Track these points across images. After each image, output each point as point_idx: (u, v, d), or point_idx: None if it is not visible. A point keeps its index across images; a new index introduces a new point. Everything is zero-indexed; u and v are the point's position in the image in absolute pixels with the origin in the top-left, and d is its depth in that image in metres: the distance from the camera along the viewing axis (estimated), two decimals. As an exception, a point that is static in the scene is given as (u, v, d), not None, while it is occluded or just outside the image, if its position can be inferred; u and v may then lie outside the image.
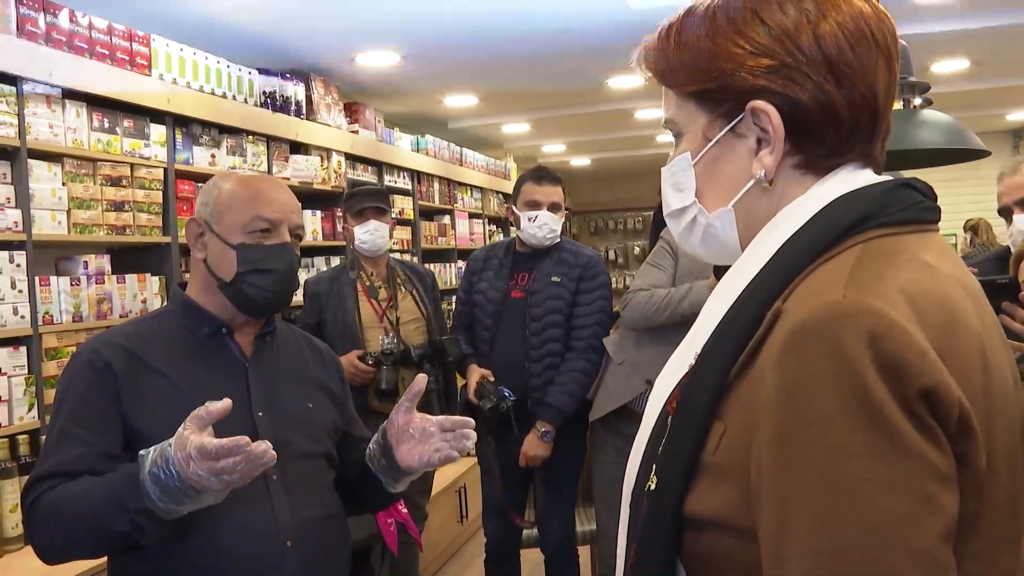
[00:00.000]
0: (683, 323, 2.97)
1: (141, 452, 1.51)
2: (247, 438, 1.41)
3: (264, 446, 1.42)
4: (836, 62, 0.88)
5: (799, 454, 0.75)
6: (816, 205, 0.89)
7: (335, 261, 3.81)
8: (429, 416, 1.79)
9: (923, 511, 0.72)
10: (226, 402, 1.46)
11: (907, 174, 1.37)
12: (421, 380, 1.78)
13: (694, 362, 0.90)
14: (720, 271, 2.78)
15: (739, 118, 0.92)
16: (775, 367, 0.78)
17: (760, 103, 0.89)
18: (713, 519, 0.84)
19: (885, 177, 0.93)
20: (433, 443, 1.77)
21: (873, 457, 0.72)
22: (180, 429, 1.45)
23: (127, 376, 1.69)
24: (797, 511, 0.74)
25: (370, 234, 3.52)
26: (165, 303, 2.29)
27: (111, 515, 1.51)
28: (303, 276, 4.47)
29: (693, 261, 3.04)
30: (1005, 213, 2.93)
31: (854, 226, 0.86)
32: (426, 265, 6.44)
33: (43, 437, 2.98)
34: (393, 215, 5.92)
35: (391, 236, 3.66)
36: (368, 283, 3.52)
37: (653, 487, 0.89)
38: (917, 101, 2.46)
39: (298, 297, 3.90)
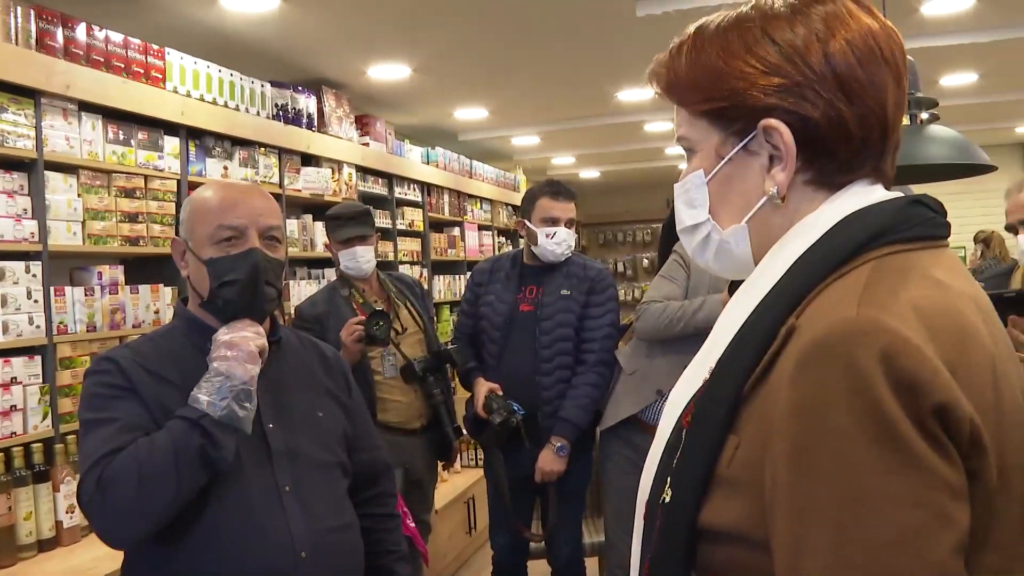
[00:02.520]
0: (695, 335, 2.99)
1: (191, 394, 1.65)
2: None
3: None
4: (846, 79, 0.90)
5: (814, 468, 0.76)
6: (828, 222, 0.91)
7: (333, 277, 3.76)
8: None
9: (937, 525, 0.73)
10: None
11: (914, 188, 1.39)
12: None
13: (708, 376, 0.91)
14: (734, 286, 2.81)
15: (751, 136, 0.94)
16: (790, 383, 0.79)
17: (772, 121, 0.91)
18: (727, 531, 0.85)
19: (896, 194, 0.94)
20: None
21: (887, 472, 0.74)
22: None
23: (144, 382, 1.70)
24: (812, 525, 0.76)
25: (355, 260, 3.45)
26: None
27: (183, 435, 1.58)
28: (313, 288, 4.50)
29: (705, 275, 3.05)
30: (1012, 230, 2.94)
31: (866, 243, 0.87)
32: (436, 277, 6.48)
33: (57, 446, 3.00)
34: (403, 226, 6.00)
35: (377, 253, 3.58)
36: (361, 300, 3.43)
37: (667, 499, 0.90)
38: (924, 116, 2.48)
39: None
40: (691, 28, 0.99)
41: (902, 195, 0.93)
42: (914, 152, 2.05)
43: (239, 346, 1.67)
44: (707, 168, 0.98)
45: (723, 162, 0.97)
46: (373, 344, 3.26)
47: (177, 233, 3.56)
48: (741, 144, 0.95)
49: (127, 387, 1.69)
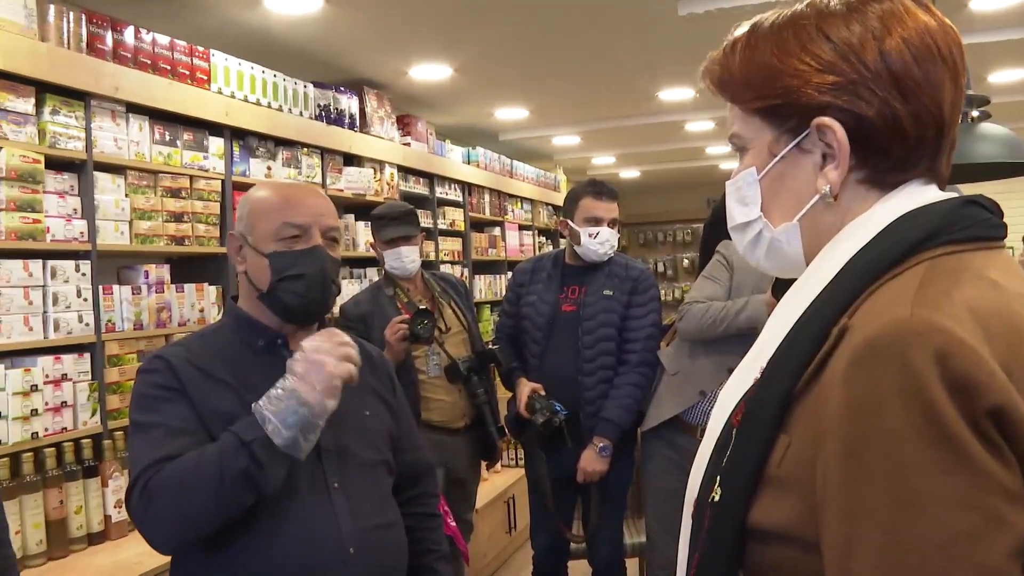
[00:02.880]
0: (738, 336, 2.97)
1: (253, 403, 1.62)
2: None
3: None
4: (902, 77, 0.89)
5: (866, 469, 0.75)
6: (882, 221, 0.90)
7: (377, 276, 3.77)
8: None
9: (991, 529, 0.72)
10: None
11: (963, 188, 1.36)
12: None
13: (759, 376, 0.91)
14: (777, 287, 2.78)
15: (805, 134, 0.93)
16: (843, 382, 0.78)
17: (826, 120, 0.90)
18: (777, 531, 0.84)
19: (951, 194, 0.93)
20: None
21: (941, 474, 0.73)
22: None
23: (192, 380, 1.72)
24: (863, 526, 0.75)
25: (400, 260, 3.45)
26: (221, 314, 2.31)
27: (231, 455, 1.57)
28: (355, 288, 4.53)
29: (749, 275, 3.03)
30: None
31: (920, 243, 0.86)
32: (476, 276, 6.50)
33: (106, 441, 3.06)
34: (444, 226, 6.02)
35: (421, 253, 3.58)
36: (407, 300, 3.43)
37: (717, 498, 0.90)
38: (975, 113, 2.44)
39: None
40: (745, 25, 0.99)
41: (956, 195, 0.92)
42: (964, 151, 2.02)
43: (325, 372, 1.63)
44: (760, 166, 0.98)
45: (776, 160, 0.96)
46: (417, 342, 3.27)
47: (223, 231, 3.68)
48: (794, 142, 0.94)
49: (176, 387, 1.70)
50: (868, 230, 0.90)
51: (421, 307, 3.30)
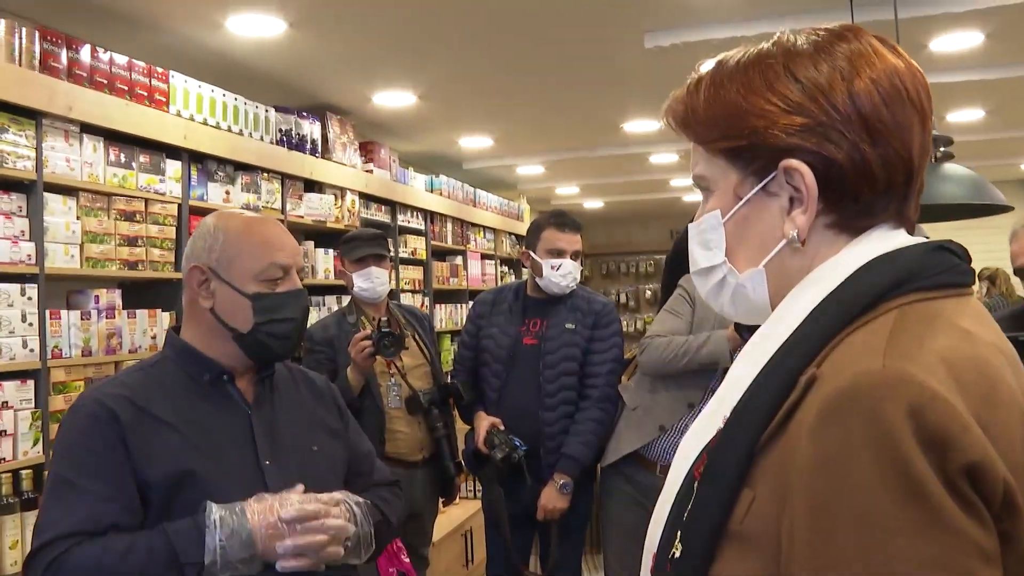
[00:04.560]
0: (699, 371, 2.95)
1: (206, 515, 1.55)
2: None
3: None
4: (871, 120, 0.86)
5: (835, 527, 0.72)
6: (850, 267, 0.87)
7: (346, 300, 3.77)
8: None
9: None
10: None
11: (927, 227, 1.34)
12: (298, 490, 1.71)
13: (722, 425, 0.87)
14: (742, 324, 2.77)
15: (771, 177, 0.90)
16: (811, 436, 0.75)
17: (793, 162, 0.87)
18: None
19: (919, 239, 0.90)
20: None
21: (914, 534, 0.70)
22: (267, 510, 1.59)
23: (133, 426, 1.63)
24: None
25: (370, 281, 3.47)
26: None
27: (160, 567, 1.50)
28: (314, 316, 4.46)
29: (711, 310, 2.97)
30: (1021, 273, 2.88)
31: (890, 290, 0.83)
32: (437, 305, 6.44)
33: (47, 472, 2.95)
34: (406, 254, 5.97)
35: (390, 280, 3.62)
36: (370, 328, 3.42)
37: (677, 555, 0.86)
38: (938, 153, 2.44)
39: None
40: (710, 63, 0.96)
41: (925, 240, 0.89)
42: (929, 191, 2.01)
43: (282, 525, 1.59)
44: (724, 208, 0.94)
45: (741, 203, 0.93)
46: (381, 354, 3.22)
47: (178, 256, 3.61)
48: (760, 185, 0.91)
49: (112, 440, 1.61)
50: (836, 275, 0.87)
51: (384, 329, 3.24)
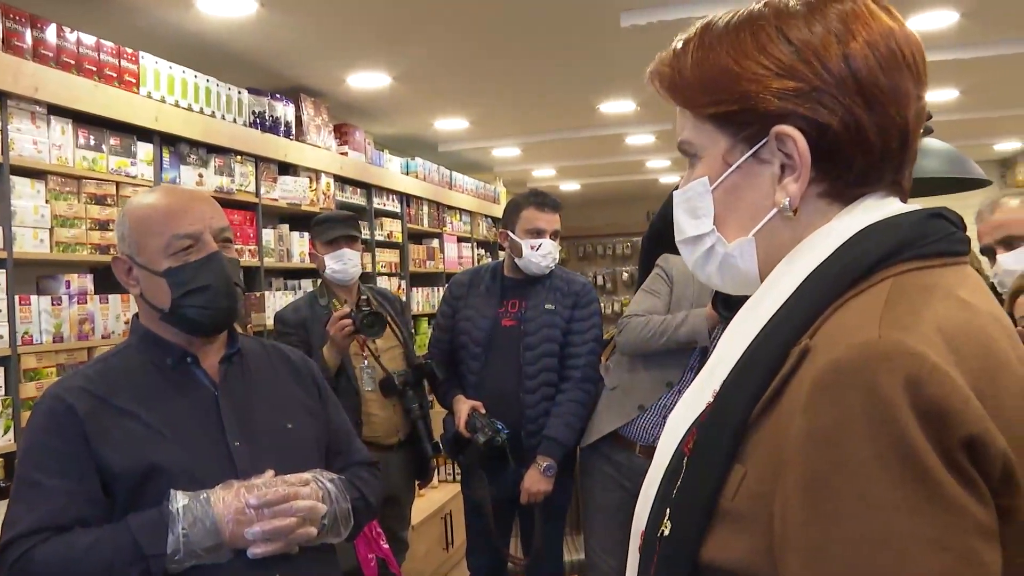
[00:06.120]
0: (678, 350, 2.94)
1: (171, 504, 1.52)
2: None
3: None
4: (867, 84, 0.83)
5: (831, 504, 0.70)
6: (843, 235, 0.84)
7: (318, 284, 3.75)
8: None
9: (964, 569, 0.68)
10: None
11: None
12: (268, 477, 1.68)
13: (712, 400, 0.85)
14: (718, 300, 2.76)
15: (762, 143, 0.87)
16: (805, 410, 0.73)
17: (785, 128, 0.84)
18: (732, 569, 0.79)
19: (914, 206, 0.88)
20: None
21: (911, 511, 0.68)
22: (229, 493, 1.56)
23: (92, 418, 1.61)
24: (828, 566, 0.70)
25: (342, 263, 3.44)
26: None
27: (125, 561, 1.48)
28: (289, 297, 4.42)
29: (689, 288, 3.00)
30: (988, 252, 2.89)
31: (885, 258, 0.81)
32: (414, 289, 6.41)
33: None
34: (382, 237, 5.92)
35: (361, 263, 3.59)
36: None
37: (667, 532, 0.84)
38: (917, 129, 2.43)
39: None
40: (698, 24, 0.92)
41: (920, 208, 0.87)
42: (909, 165, 2.01)
43: (250, 511, 1.57)
44: (713, 175, 0.91)
45: (730, 170, 0.90)
46: (363, 333, 3.19)
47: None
48: (751, 151, 0.88)
49: (72, 434, 1.59)
50: (828, 244, 0.84)
51: (364, 308, 3.21)
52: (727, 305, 2.70)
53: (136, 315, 1.81)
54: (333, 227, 3.49)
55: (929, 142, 2.12)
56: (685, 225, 0.95)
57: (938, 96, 6.32)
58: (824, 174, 0.86)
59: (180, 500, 1.53)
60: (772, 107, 0.85)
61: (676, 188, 0.99)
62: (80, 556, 1.48)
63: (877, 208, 0.86)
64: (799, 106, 0.84)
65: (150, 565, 1.49)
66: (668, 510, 0.85)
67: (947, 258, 0.83)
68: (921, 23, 4.49)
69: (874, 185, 0.87)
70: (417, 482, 3.70)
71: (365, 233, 5.71)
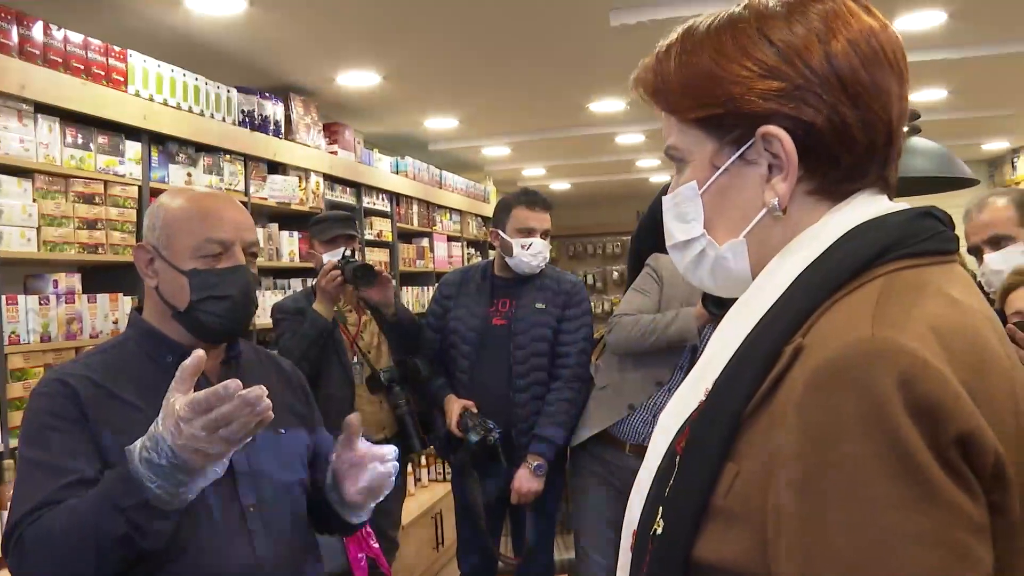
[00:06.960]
0: (668, 349, 2.94)
1: (127, 447, 1.43)
2: (238, 381, 1.35)
3: (259, 391, 1.35)
4: (850, 82, 0.84)
5: (824, 502, 0.70)
6: (833, 234, 0.85)
7: (312, 282, 3.75)
8: (370, 448, 1.73)
9: (957, 565, 0.68)
10: (198, 353, 1.41)
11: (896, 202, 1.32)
12: (355, 418, 1.71)
13: (704, 398, 0.85)
14: (708, 299, 2.76)
15: (749, 144, 0.87)
16: (798, 408, 0.73)
17: (771, 128, 0.85)
18: (725, 567, 0.79)
19: (903, 205, 0.88)
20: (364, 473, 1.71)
21: (905, 507, 0.68)
22: (164, 401, 1.39)
23: (94, 403, 1.59)
24: (822, 563, 0.70)
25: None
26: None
27: (107, 519, 1.42)
28: (278, 297, 4.41)
29: (678, 288, 3.00)
30: (975, 252, 2.90)
31: (876, 257, 0.81)
32: (404, 288, 6.40)
33: (7, 461, 2.88)
34: (371, 236, 5.92)
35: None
36: (336, 308, 3.41)
37: (659, 531, 0.84)
38: (905, 128, 2.44)
39: (265, 318, 3.84)
40: (679, 29, 0.93)
41: (909, 207, 0.87)
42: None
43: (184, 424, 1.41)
44: (701, 179, 0.91)
45: (718, 173, 0.90)
46: (355, 285, 3.26)
47: (139, 238, 3.53)
48: (738, 153, 0.88)
49: (72, 416, 1.57)
50: (819, 243, 0.85)
51: (351, 259, 3.31)
52: (717, 303, 2.70)
53: (135, 310, 1.80)
54: (332, 226, 3.55)
55: (918, 141, 2.12)
56: (675, 230, 0.96)
57: (926, 96, 6.34)
58: (811, 172, 0.86)
59: (135, 444, 1.44)
60: (757, 108, 0.85)
61: (666, 187, 0.99)
62: (66, 526, 1.45)
63: (866, 206, 0.87)
64: (784, 106, 0.84)
65: (131, 516, 1.41)
66: (661, 508, 0.85)
67: (937, 257, 0.84)
68: (909, 23, 4.50)
69: (861, 181, 0.88)
70: (409, 458, 3.73)
71: (355, 232, 5.70)
